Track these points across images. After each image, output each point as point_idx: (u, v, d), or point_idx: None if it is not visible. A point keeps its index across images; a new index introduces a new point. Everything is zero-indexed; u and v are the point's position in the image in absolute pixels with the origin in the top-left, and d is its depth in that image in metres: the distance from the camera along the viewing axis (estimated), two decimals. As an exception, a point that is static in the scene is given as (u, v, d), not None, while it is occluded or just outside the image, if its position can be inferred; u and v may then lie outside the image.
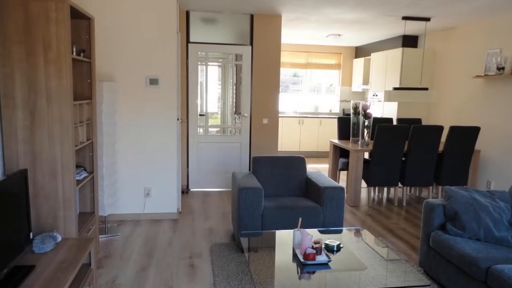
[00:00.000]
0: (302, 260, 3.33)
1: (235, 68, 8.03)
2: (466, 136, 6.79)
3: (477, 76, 7.30)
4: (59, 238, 3.44)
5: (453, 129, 6.74)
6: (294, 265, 3.35)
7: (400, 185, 7.12)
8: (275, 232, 4.12)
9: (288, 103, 12.33)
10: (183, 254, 4.82)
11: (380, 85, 9.87)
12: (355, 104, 7.49)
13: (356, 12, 7.14)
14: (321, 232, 4.17)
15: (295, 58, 12.05)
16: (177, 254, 4.83)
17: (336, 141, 7.91)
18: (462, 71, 8.03)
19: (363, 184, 8.10)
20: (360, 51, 11.93)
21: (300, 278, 3.15)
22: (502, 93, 6.98)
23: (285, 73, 12.25)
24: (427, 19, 7.52)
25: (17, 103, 3.46)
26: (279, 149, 11.17)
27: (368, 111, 7.23)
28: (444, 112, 8.58)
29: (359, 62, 11.66)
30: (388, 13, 7.15)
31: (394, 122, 8.62)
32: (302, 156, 5.58)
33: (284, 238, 3.94)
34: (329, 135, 11.67)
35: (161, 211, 6.04)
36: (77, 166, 4.35)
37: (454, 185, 7.02)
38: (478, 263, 3.49)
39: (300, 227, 3.73)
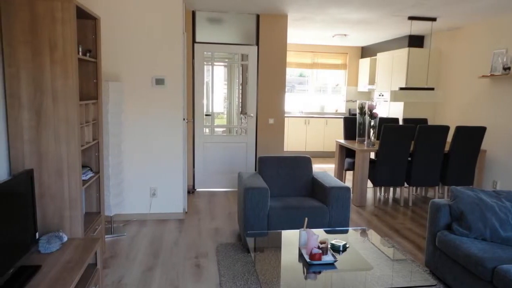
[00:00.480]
0: (308, 260, 3.33)
1: (241, 68, 8.03)
2: (472, 136, 6.77)
3: (483, 76, 7.27)
4: (65, 238, 3.45)
5: (459, 129, 6.72)
6: (300, 265, 3.35)
7: (406, 185, 7.10)
8: (281, 232, 4.11)
9: (294, 103, 12.33)
10: (189, 254, 4.82)
11: (386, 85, 9.85)
12: (361, 104, 7.48)
13: (362, 12, 7.13)
14: (327, 232, 4.16)
15: (301, 58, 12.05)
16: (183, 254, 4.83)
17: (342, 141, 7.90)
18: (468, 71, 8.00)
19: (369, 184, 8.09)
20: (366, 51, 11.91)
21: (306, 278, 3.15)
22: (508, 93, 6.95)
23: (291, 73, 12.25)
24: (433, 19, 7.50)
25: (23, 103, 3.47)
26: (285, 149, 11.17)
27: (374, 111, 7.22)
28: (450, 112, 8.55)
29: (365, 62, 11.65)
30: (394, 13, 7.13)
31: (400, 122, 8.60)
32: (308, 156, 5.57)
33: (290, 238, 3.94)
34: (335, 135, 11.65)
35: (167, 211, 6.05)
36: (83, 166, 4.35)
37: (460, 185, 7.00)
38: (484, 263, 3.47)
39: (306, 227, 3.72)
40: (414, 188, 8.08)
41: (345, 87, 12.37)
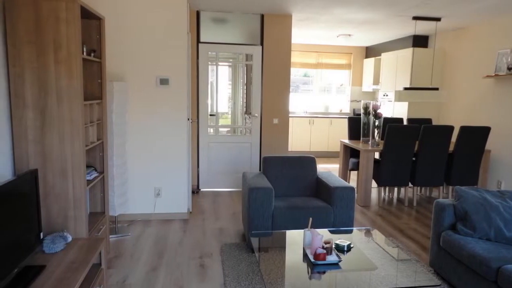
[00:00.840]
0: (312, 260, 3.33)
1: (245, 68, 8.03)
2: (476, 136, 6.75)
3: (487, 76, 7.26)
4: (70, 238, 3.46)
5: (463, 129, 6.71)
6: (305, 265, 3.34)
7: (410, 185, 7.09)
8: (285, 232, 4.11)
9: (299, 103, 12.32)
10: (193, 254, 4.83)
11: (390, 85, 9.83)
12: (366, 104, 7.47)
13: (366, 12, 7.12)
14: (332, 232, 4.16)
15: (305, 58, 12.04)
16: (188, 254, 4.84)
17: (346, 141, 7.89)
18: (473, 71, 7.98)
19: (374, 184, 8.08)
20: (370, 51, 11.90)
21: (310, 278, 3.14)
22: (514, 93, 6.95)
23: (295, 73, 12.25)
24: (438, 19, 7.48)
25: (28, 103, 3.48)
26: (289, 149, 11.16)
27: (378, 111, 7.21)
28: (455, 112, 8.53)
29: (369, 62, 11.63)
30: (399, 13, 7.12)
31: (405, 122, 8.58)
32: (312, 156, 5.57)
33: (295, 238, 3.94)
34: (340, 135, 11.64)
35: (172, 211, 6.05)
36: (88, 166, 4.36)
37: (465, 185, 6.98)
38: (489, 263, 3.46)
39: (311, 227, 3.72)
40: (419, 188, 8.07)
41: (350, 87, 12.36)
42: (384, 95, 10.15)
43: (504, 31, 7.17)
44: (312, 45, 11.90)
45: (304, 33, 9.74)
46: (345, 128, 11.42)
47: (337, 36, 10.14)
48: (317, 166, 5.58)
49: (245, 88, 8.07)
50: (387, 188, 7.86)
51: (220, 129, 7.95)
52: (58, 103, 3.53)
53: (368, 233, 4.19)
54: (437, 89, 7.37)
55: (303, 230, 3.84)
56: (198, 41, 7.42)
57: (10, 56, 3.40)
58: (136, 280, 4.17)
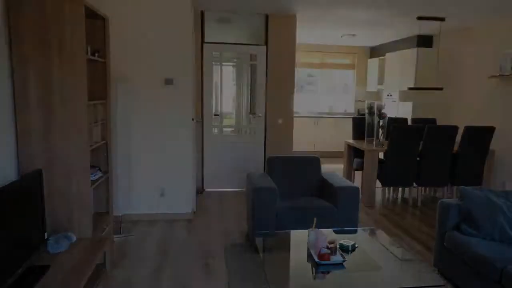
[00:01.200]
0: (316, 260, 3.32)
1: (250, 68, 8.03)
2: (481, 136, 6.73)
3: (492, 76, 7.24)
4: (74, 238, 3.47)
5: (468, 129, 6.69)
6: (309, 265, 3.34)
7: (415, 185, 7.07)
8: (290, 232, 4.12)
9: (303, 103, 12.29)
10: (197, 254, 4.82)
11: (395, 85, 9.82)
12: (370, 104, 7.46)
13: (371, 12, 7.11)
14: (336, 232, 4.16)
15: (310, 58, 12.03)
16: (192, 254, 4.84)
17: (351, 141, 7.88)
18: (477, 71, 7.96)
19: (378, 184, 8.06)
20: (375, 51, 11.88)
21: (314, 278, 3.15)
22: (518, 93, 6.93)
23: (300, 73, 12.22)
24: (442, 19, 7.46)
25: (32, 103, 3.48)
26: (293, 149, 11.11)
27: (382, 111, 7.20)
28: (459, 112, 8.51)
29: (373, 62, 11.61)
30: (403, 13, 7.10)
31: (409, 122, 8.56)
32: (317, 156, 5.56)
33: (299, 238, 3.94)
34: (344, 135, 11.56)
35: (176, 211, 6.05)
36: (92, 166, 4.35)
37: (469, 185, 6.95)
38: (493, 263, 3.45)
39: (315, 227, 3.72)
40: (423, 188, 8.04)
41: (354, 87, 12.34)
42: (388, 95, 10.14)
43: (508, 31, 7.15)
44: (316, 45, 11.87)
45: (309, 33, 9.73)
46: (350, 128, 11.36)
47: (341, 36, 10.12)
48: (322, 166, 5.57)
49: (249, 88, 8.07)
50: (391, 188, 7.85)
51: (225, 129, 7.95)
52: (62, 103, 3.54)
53: (372, 233, 4.19)
54: (441, 89, 7.37)
55: (307, 230, 3.83)
56: (203, 41, 7.42)
57: (14, 56, 3.41)
58: (140, 280, 4.17)
